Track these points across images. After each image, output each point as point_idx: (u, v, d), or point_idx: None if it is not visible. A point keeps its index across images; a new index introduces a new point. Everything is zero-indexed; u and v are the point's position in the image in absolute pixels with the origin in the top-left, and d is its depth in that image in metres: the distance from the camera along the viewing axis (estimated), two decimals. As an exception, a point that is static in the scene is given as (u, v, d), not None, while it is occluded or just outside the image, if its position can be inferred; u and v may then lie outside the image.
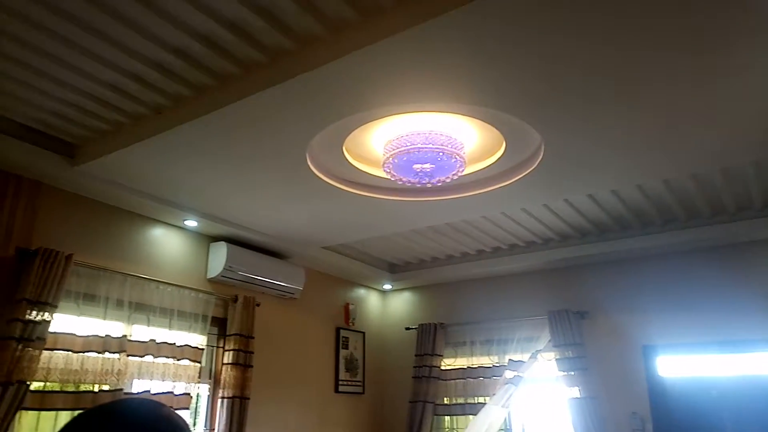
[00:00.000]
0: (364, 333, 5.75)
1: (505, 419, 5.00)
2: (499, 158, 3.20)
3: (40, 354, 3.12)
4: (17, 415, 3.02)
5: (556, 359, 4.77)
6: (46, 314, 3.15)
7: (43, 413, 3.29)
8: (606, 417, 4.50)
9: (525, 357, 4.95)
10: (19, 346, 3.01)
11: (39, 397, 3.20)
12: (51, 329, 3.18)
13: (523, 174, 3.27)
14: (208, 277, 4.33)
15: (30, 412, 3.19)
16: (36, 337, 3.08)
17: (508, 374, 4.96)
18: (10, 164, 3.15)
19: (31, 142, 3.09)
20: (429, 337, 5.48)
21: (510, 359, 5.01)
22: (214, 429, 4.14)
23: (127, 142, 2.99)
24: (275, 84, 2.42)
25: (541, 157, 3.06)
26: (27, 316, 3.06)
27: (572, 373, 4.66)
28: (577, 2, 1.91)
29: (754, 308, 4.14)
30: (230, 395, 4.17)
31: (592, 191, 3.63)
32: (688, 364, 4.43)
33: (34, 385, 3.11)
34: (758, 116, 2.64)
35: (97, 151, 3.15)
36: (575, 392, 4.61)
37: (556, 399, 4.81)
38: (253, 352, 4.36)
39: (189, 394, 3.93)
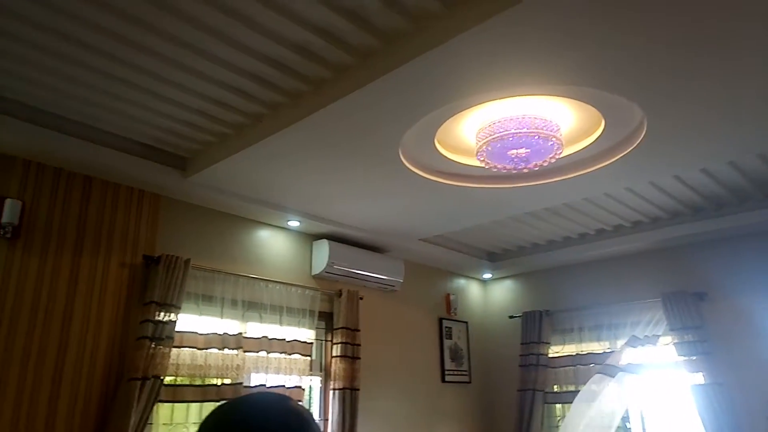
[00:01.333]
0: (467, 323, 5.73)
1: (621, 408, 4.80)
2: (598, 137, 3.06)
3: (170, 351, 3.40)
4: (155, 407, 3.32)
5: (674, 344, 4.50)
6: (172, 315, 3.42)
7: (176, 405, 3.59)
8: (735, 405, 4.19)
9: (638, 342, 4.72)
10: (152, 345, 3.30)
11: (171, 390, 3.48)
12: (177, 328, 3.46)
13: (626, 152, 3.11)
14: (312, 274, 4.50)
15: (165, 404, 3.49)
16: (165, 336, 3.36)
17: (621, 360, 4.75)
18: (132, 180, 3.45)
19: (148, 158, 3.37)
20: (534, 325, 5.37)
21: (622, 345, 4.80)
22: (327, 419, 4.31)
23: (231, 151, 3.18)
24: (365, 84, 2.47)
25: (644, 132, 2.89)
26: (156, 317, 3.35)
27: (693, 358, 4.38)
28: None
29: None
30: (341, 387, 4.32)
31: (706, 164, 3.39)
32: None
33: (167, 380, 3.40)
34: None
35: (205, 162, 3.38)
36: (698, 378, 4.33)
37: (677, 386, 4.55)
38: (359, 345, 4.49)
39: (301, 387, 4.11)
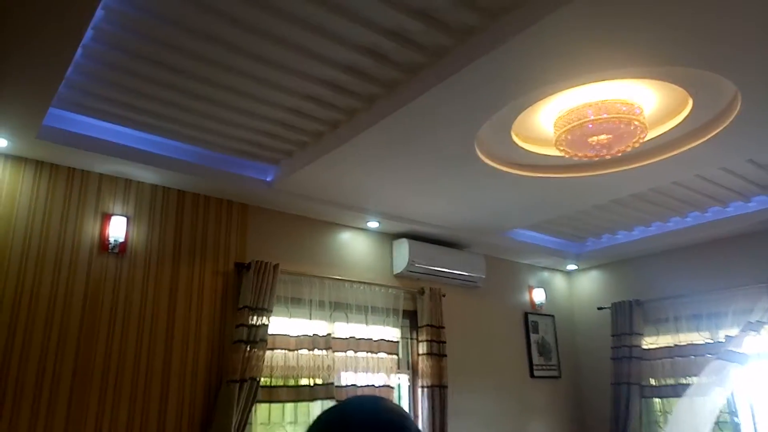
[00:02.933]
0: (553, 316, 5.60)
1: (728, 401, 4.53)
2: (686, 117, 2.91)
3: (264, 354, 3.55)
4: (254, 407, 3.47)
5: (784, 332, 4.19)
6: (264, 318, 3.57)
7: (273, 405, 3.74)
8: None
9: (742, 330, 4.43)
10: (248, 348, 3.46)
11: (267, 391, 3.64)
12: (269, 331, 3.60)
13: (719, 129, 2.93)
14: (394, 273, 4.56)
15: (262, 404, 3.65)
16: (259, 339, 3.52)
17: (725, 351, 4.48)
18: (221, 192, 3.64)
19: (235, 170, 3.54)
20: (625, 316, 5.16)
21: (726, 335, 4.52)
22: (417, 416, 4.34)
23: (311, 158, 3.28)
24: (439, 82, 2.48)
25: (738, 108, 2.72)
26: (250, 321, 3.51)
27: (807, 346, 4.07)
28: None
29: None
30: (429, 384, 4.34)
31: (810, 136, 3.14)
32: None
33: (262, 381, 3.54)
34: None
35: (287, 170, 3.50)
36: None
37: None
38: (445, 342, 4.49)
39: (390, 385, 4.17)
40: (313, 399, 3.82)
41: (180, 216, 3.55)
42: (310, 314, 3.93)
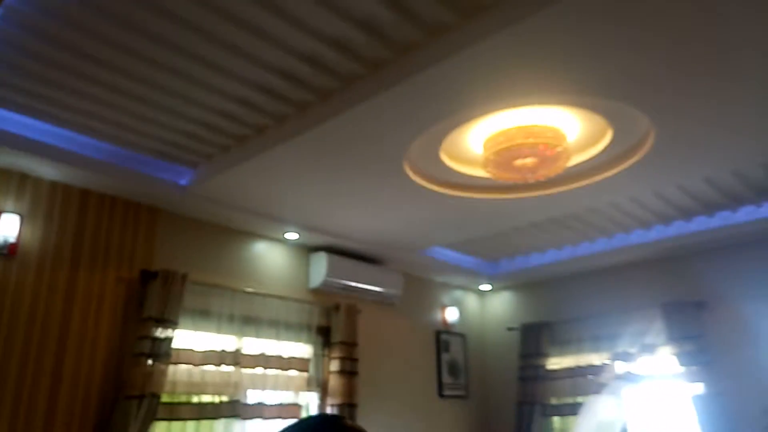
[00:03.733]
0: (464, 335, 5.68)
1: (621, 420, 4.77)
2: (605, 147, 3.05)
3: (167, 368, 3.30)
4: (152, 425, 3.20)
5: (674, 354, 4.49)
6: (170, 331, 3.33)
7: (173, 423, 3.48)
8: (736, 414, 4.18)
9: (636, 352, 4.70)
10: (149, 362, 3.20)
11: (168, 408, 3.38)
12: (173, 345, 3.35)
13: (633, 161, 3.10)
14: (309, 287, 4.43)
15: (162, 422, 3.38)
16: (163, 352, 3.27)
17: (619, 371, 4.73)
18: (130, 194, 3.37)
19: (146, 171, 3.29)
20: (533, 337, 5.33)
21: (619, 354, 4.78)
22: (327, 436, 4.21)
23: (232, 163, 3.11)
24: (374, 95, 2.44)
25: (651, 142, 2.89)
26: (154, 333, 3.25)
27: (693, 368, 4.37)
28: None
29: None
30: (338, 402, 4.24)
31: (710, 173, 3.39)
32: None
33: (163, 398, 3.29)
34: None
35: (205, 174, 3.30)
36: (699, 389, 4.32)
37: (677, 397, 4.53)
38: (357, 360, 4.41)
39: (298, 403, 4.03)
40: (217, 417, 3.61)
41: (82, 217, 3.23)
42: (219, 328, 3.72)
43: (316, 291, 4.44)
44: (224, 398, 3.65)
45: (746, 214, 4.12)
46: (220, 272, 3.88)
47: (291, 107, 2.72)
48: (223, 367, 3.66)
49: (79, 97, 2.63)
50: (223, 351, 3.68)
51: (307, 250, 4.50)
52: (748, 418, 4.15)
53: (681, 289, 4.64)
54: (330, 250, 4.47)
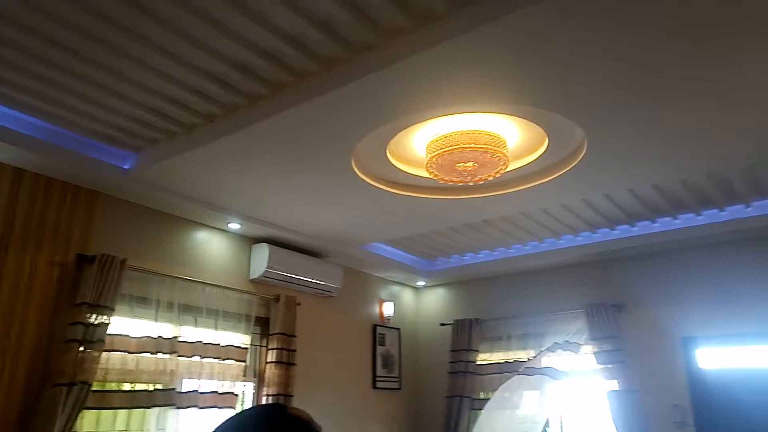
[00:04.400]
0: (399, 330, 5.83)
1: (544, 413, 5.04)
2: (541, 155, 3.24)
3: (100, 355, 3.24)
4: (81, 414, 3.14)
5: (594, 353, 4.80)
6: (105, 317, 3.27)
7: (103, 412, 3.42)
8: (646, 409, 4.52)
9: (560, 350, 4.99)
10: (81, 348, 3.14)
11: (99, 396, 3.33)
12: (108, 331, 3.30)
13: (566, 170, 3.31)
14: (250, 278, 4.43)
15: (91, 411, 3.31)
16: (96, 339, 3.21)
17: (545, 367, 5.02)
18: (68, 175, 3.27)
19: (87, 153, 3.21)
20: (464, 333, 5.54)
21: (543, 352, 5.06)
22: (260, 426, 4.24)
23: (179, 150, 3.09)
24: (326, 92, 2.49)
25: (584, 153, 3.09)
26: (87, 319, 3.19)
27: (610, 366, 4.68)
28: (624, 4, 1.95)
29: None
30: (274, 393, 4.28)
31: (634, 186, 3.65)
32: (729, 355, 4.42)
33: (94, 385, 3.23)
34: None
35: (149, 159, 3.26)
36: (614, 385, 4.63)
37: (595, 392, 4.84)
38: (295, 351, 4.46)
39: (234, 392, 4.04)
40: (151, 405, 3.58)
41: (13, 196, 3.12)
42: (157, 315, 3.69)
43: (256, 282, 4.45)
44: (159, 386, 3.62)
45: (663, 224, 4.46)
46: (161, 259, 3.83)
47: (242, 98, 2.74)
48: (160, 355, 3.63)
49: (16, 72, 2.54)
50: (159, 338, 3.65)
51: (250, 240, 4.50)
52: (658, 414, 4.50)
53: (603, 292, 4.96)
54: (272, 241, 4.50)
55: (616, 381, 4.63)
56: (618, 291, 4.91)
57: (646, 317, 4.75)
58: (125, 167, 3.37)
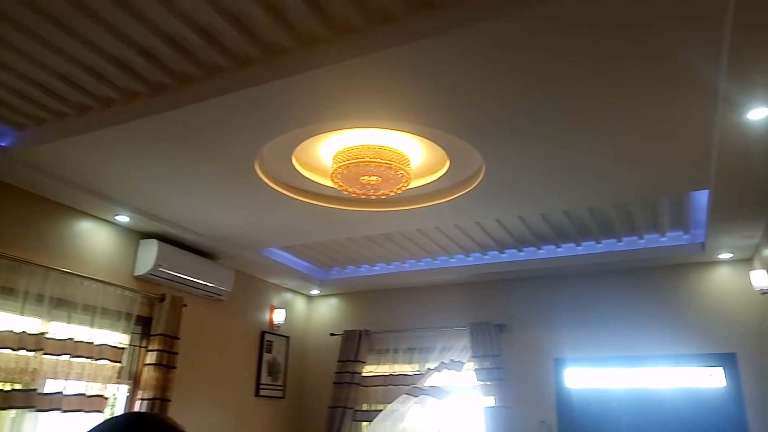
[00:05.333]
0: (288, 337, 5.75)
1: (425, 429, 5.18)
2: (441, 176, 3.36)
3: (-49, 350, 2.92)
4: None
5: (475, 369, 5.01)
6: (-39, 307, 2.96)
7: (-51, 413, 3.08)
8: (517, 425, 4.79)
9: (444, 366, 5.17)
10: (-72, 340, 2.81)
11: (-55, 395, 2.99)
12: (-37, 323, 2.99)
13: (463, 192, 3.46)
14: (135, 275, 4.20)
15: (-65, 411, 2.98)
16: (-52, 331, 2.89)
17: (427, 383, 5.17)
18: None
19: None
20: (353, 344, 5.58)
21: (428, 368, 5.22)
22: None
23: (68, 133, 2.88)
24: (236, 91, 2.44)
25: (481, 178, 3.25)
26: (-60, 309, 2.86)
27: (489, 383, 4.91)
28: (526, 47, 2.10)
29: (651, 327, 4.59)
30: (150, 397, 4.06)
31: (523, 213, 3.88)
32: (593, 376, 4.80)
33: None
34: (674, 160, 2.97)
35: (32, 139, 3.01)
36: (491, 401, 4.86)
37: (473, 408, 5.05)
38: (177, 353, 4.27)
39: (103, 395, 3.78)
40: (6, 407, 3.27)
41: None
42: (23, 308, 3.39)
43: (141, 279, 4.22)
44: (17, 386, 3.32)
45: (547, 252, 4.78)
46: (34, 248, 3.53)
47: (144, 86, 2.61)
48: (22, 352, 3.33)
49: None
50: (24, 333, 3.35)
51: (138, 235, 4.27)
52: (527, 429, 4.78)
53: (488, 311, 5.21)
54: (162, 238, 4.29)
55: (493, 398, 4.86)
56: (502, 311, 5.18)
57: (525, 338, 5.05)
58: (2, 144, 3.08)
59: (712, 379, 4.39)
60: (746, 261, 4.47)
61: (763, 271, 3.97)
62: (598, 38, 2.06)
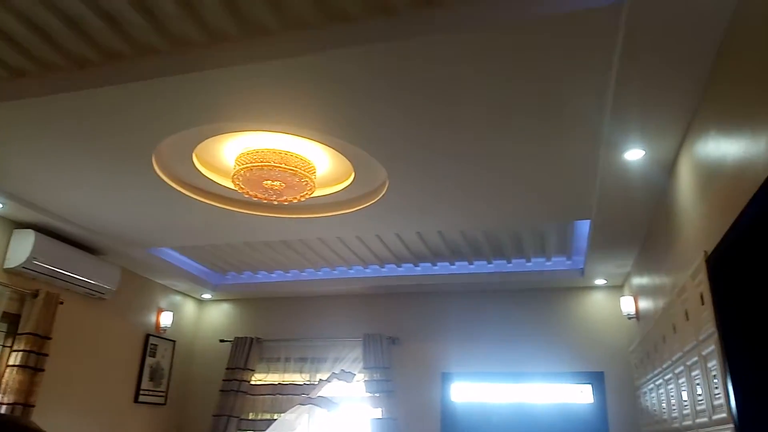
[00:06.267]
0: (174, 342, 5.50)
1: (309, 436, 5.14)
2: (346, 187, 3.39)
3: None
4: None
5: (365, 381, 5.05)
6: None
7: None
8: (402, 436, 4.88)
9: (335, 377, 5.17)
10: None
11: None
12: None
13: (366, 205, 3.50)
14: (5, 267, 3.85)
15: None
16: None
17: (319, 393, 5.14)
18: None
19: None
20: (243, 351, 5.43)
21: (320, 378, 5.19)
22: (-14, 439, 3.64)
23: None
24: (137, 80, 2.33)
25: (384, 192, 3.31)
26: None
27: (378, 395, 4.97)
28: (430, 70, 2.19)
29: (532, 346, 4.87)
30: (11, 401, 3.73)
31: (422, 229, 4.00)
32: (476, 391, 5.00)
33: None
34: (562, 191, 3.19)
35: None
36: (378, 413, 4.92)
37: (361, 419, 5.08)
38: (47, 355, 3.95)
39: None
40: None
41: None
42: None
43: (12, 272, 3.87)
44: None
45: (442, 268, 4.94)
46: None
47: (33, 64, 2.42)
48: None
49: None
50: None
51: (11, 224, 3.92)
52: (410, 440, 4.88)
53: (381, 324, 5.28)
54: (40, 229, 3.97)
55: (380, 409, 4.92)
56: (395, 324, 5.27)
57: (415, 351, 5.16)
58: None
59: (582, 396, 4.73)
60: (618, 288, 4.87)
61: (631, 298, 4.35)
62: (495, 80, 2.19)
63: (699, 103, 2.23)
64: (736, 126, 1.85)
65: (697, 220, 2.43)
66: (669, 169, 2.80)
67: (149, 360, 5.15)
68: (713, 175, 2.14)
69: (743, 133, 1.79)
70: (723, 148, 2.00)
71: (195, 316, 5.89)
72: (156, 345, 5.26)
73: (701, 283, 2.37)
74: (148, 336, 5.16)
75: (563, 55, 2.07)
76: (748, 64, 1.71)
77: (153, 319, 5.28)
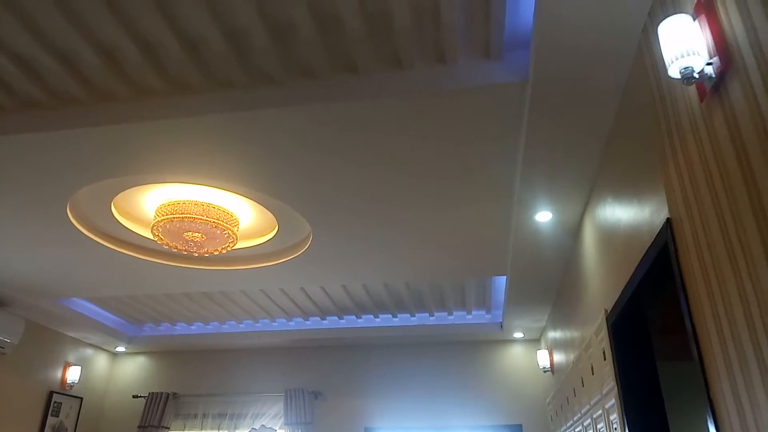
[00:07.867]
0: (82, 399, 5.16)
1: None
2: (269, 239, 3.39)
3: None
4: None
5: (287, 437, 4.91)
6: None
7: None
8: (322, 496, 4.73)
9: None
10: None
11: None
12: None
13: (289, 258, 3.50)
14: None
15: None
16: None
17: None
18: None
19: None
20: (158, 407, 5.17)
21: (239, 434, 5.01)
22: None
23: None
24: (54, 130, 2.29)
25: (308, 246, 3.34)
26: None
27: (299, 451, 4.83)
28: (352, 134, 2.29)
29: (455, 399, 4.92)
30: None
31: (346, 282, 4.02)
32: (399, 445, 4.97)
33: None
34: (479, 248, 3.34)
35: None
36: (298, 471, 4.77)
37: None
38: (-67, 416, 3.62)
39: None
40: None
41: None
42: None
43: None
44: None
45: (366, 321, 4.96)
46: None
47: (-58, 108, 2.33)
48: None
49: None
50: None
51: None
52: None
53: (304, 378, 5.19)
54: (-64, 277, 3.70)
55: (301, 467, 4.78)
56: (318, 378, 5.19)
57: (338, 405, 5.09)
58: None
59: (502, 449, 4.79)
60: (535, 341, 5.05)
61: (546, 351, 4.52)
62: (412, 143, 2.31)
63: (598, 171, 2.44)
64: (626, 195, 2.04)
65: (598, 280, 2.60)
66: (575, 231, 3.00)
67: (51, 420, 4.80)
68: (610, 238, 2.32)
69: (632, 201, 1.97)
70: (618, 213, 2.18)
71: (107, 370, 5.57)
72: (60, 403, 4.91)
73: (603, 340, 2.52)
74: (51, 393, 4.82)
75: (476, 122, 2.22)
76: (634, 144, 1.90)
77: (59, 374, 4.94)
